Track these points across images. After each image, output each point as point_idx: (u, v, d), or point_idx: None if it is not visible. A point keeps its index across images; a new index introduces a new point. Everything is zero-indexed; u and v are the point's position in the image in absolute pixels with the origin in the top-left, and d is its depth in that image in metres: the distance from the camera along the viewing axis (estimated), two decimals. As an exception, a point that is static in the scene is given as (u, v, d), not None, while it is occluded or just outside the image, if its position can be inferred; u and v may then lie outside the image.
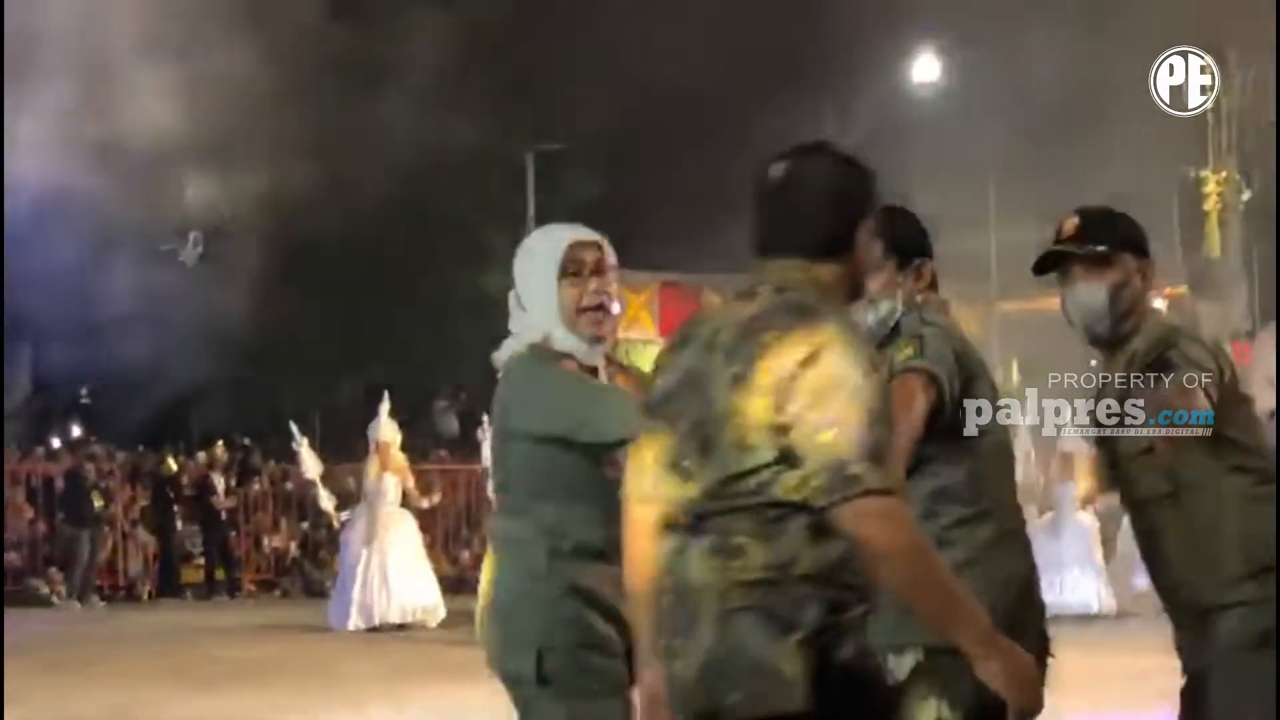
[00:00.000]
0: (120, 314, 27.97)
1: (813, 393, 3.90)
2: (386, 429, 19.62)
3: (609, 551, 4.87)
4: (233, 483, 26.52)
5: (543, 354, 5.16)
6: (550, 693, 5.02)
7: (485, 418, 21.56)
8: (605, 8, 30.80)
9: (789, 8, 29.46)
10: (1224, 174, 31.63)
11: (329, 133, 29.51)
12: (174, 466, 26.20)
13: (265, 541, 26.58)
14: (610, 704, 5.01)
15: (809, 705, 3.95)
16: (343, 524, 20.77)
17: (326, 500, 21.35)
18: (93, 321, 28.74)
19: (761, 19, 28.88)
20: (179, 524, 25.66)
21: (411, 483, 19.87)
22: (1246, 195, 31.90)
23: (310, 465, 21.51)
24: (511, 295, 5.28)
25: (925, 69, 35.15)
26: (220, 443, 27.34)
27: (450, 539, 26.52)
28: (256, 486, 27.07)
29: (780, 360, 3.94)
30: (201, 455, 27.06)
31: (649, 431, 4.17)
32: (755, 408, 3.95)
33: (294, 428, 21.51)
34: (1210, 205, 31.47)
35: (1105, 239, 5.39)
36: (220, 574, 25.70)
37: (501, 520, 5.24)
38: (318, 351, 32.41)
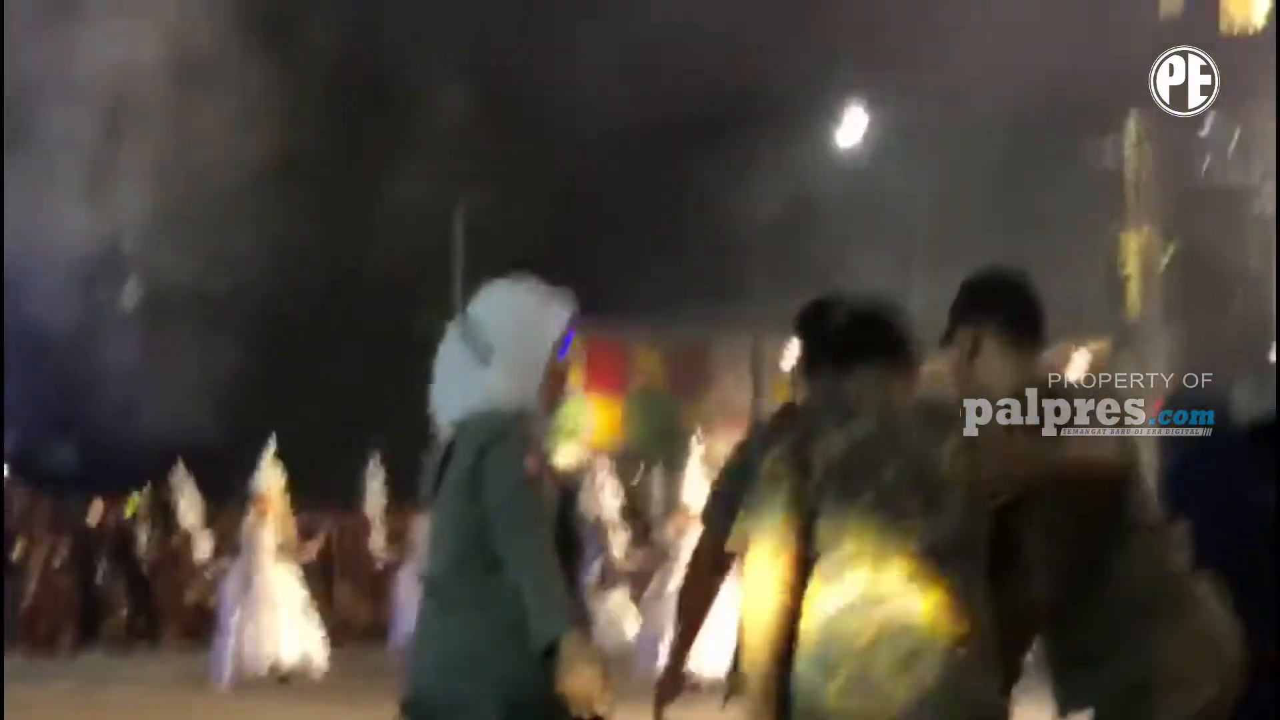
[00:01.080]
0: (50, 359, 27.85)
1: None
2: (267, 477, 19.40)
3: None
4: (157, 532, 26.35)
5: (524, 436, 5.21)
6: None
7: (371, 458, 21.57)
8: (530, 60, 30.87)
9: (714, 61, 29.55)
10: (1144, 234, 31.97)
11: (263, 182, 29.44)
12: (97, 514, 25.99)
13: (187, 592, 26.39)
14: None
15: None
16: (221, 573, 20.60)
17: (205, 545, 21.16)
18: (19, 365, 28.56)
19: (687, 74, 28.98)
20: (101, 574, 25.46)
21: (292, 532, 19.68)
22: (1167, 256, 32.23)
23: (187, 510, 21.32)
24: (470, 347, 5.27)
25: (852, 125, 35.27)
26: (145, 490, 27.08)
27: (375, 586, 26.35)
28: (179, 536, 26.86)
29: None
30: (127, 503, 26.83)
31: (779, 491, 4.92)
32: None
33: (175, 471, 21.20)
34: (1131, 265, 31.81)
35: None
36: (142, 624, 25.54)
37: (460, 575, 5.27)
38: (249, 400, 32.25)
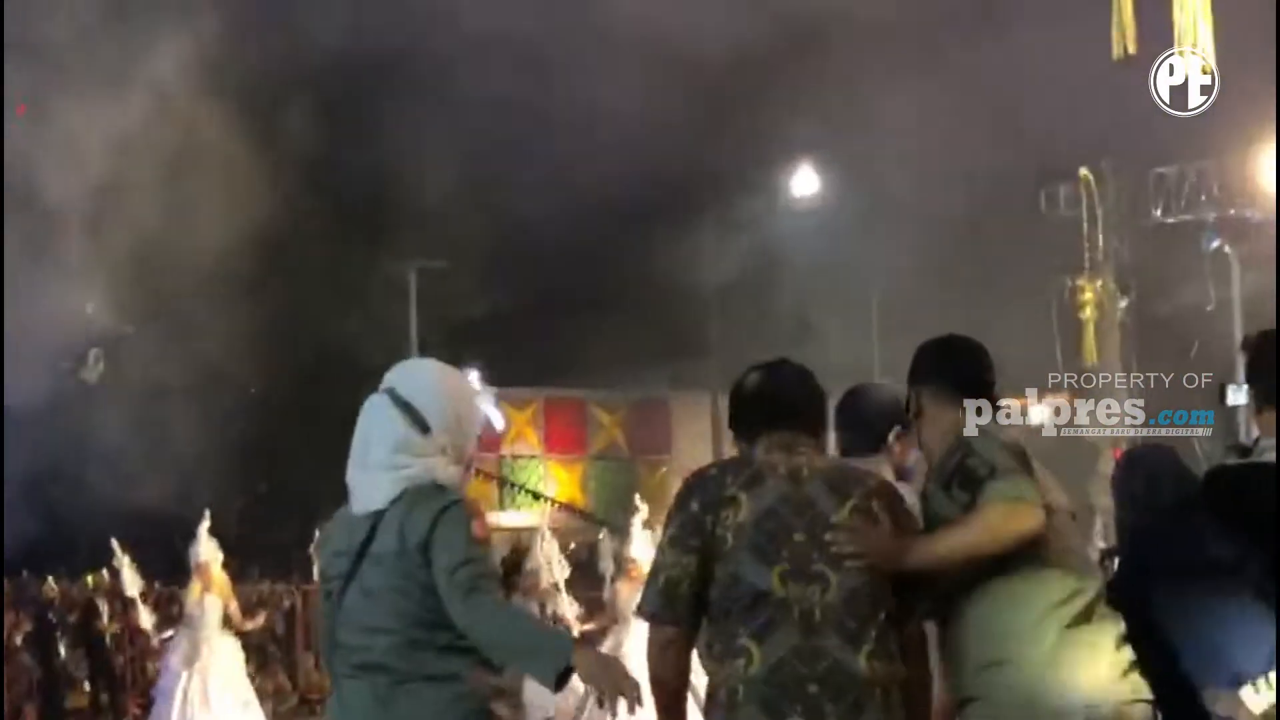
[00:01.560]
0: (11, 433, 27.73)
1: None
2: (206, 549, 19.31)
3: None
4: (119, 606, 26.23)
5: (469, 507, 5.31)
6: None
7: (316, 532, 21.63)
8: (485, 127, 30.92)
9: (666, 124, 29.63)
10: (1100, 282, 32.03)
11: (220, 259, 29.46)
12: (55, 590, 25.89)
13: (150, 665, 26.28)
14: None
15: None
16: (164, 644, 20.57)
17: (146, 619, 21.17)
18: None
19: (640, 135, 29.03)
20: (62, 649, 25.34)
21: (234, 604, 19.62)
22: (1124, 303, 32.29)
23: (130, 583, 21.33)
24: (409, 421, 5.34)
25: (805, 183, 35.35)
26: (104, 568, 26.98)
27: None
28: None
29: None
30: (88, 578, 26.75)
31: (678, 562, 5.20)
32: None
33: (115, 544, 21.32)
34: (1088, 313, 31.83)
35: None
36: (105, 698, 25.42)
37: (415, 650, 5.26)
38: (212, 473, 32.20)
